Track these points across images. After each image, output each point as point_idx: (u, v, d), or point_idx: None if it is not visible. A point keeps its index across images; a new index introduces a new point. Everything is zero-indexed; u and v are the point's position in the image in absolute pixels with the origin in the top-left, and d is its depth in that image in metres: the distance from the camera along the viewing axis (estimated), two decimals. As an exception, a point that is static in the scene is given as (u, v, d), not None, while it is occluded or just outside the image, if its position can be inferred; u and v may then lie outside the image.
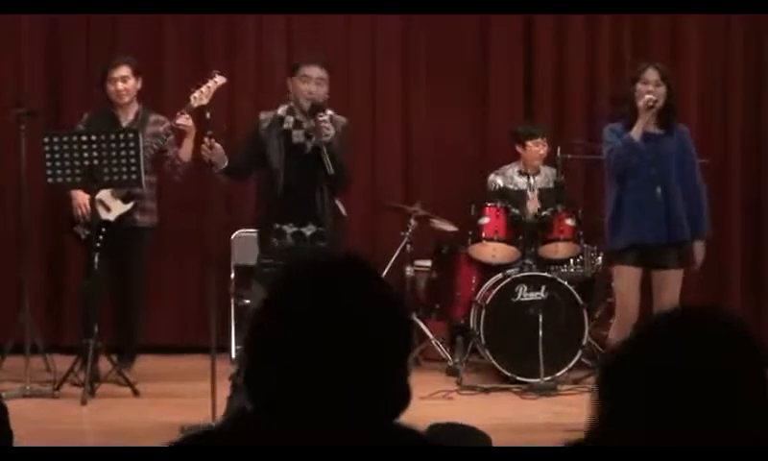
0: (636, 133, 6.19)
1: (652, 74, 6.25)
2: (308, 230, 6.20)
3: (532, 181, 8.11)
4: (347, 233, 6.47)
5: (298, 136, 6.17)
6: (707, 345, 1.86)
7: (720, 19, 8.80)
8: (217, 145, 6.19)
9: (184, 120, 7.20)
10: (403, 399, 1.88)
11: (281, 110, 6.26)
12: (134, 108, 7.52)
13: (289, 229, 6.21)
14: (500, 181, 8.13)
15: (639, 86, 6.23)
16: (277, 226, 6.22)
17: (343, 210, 6.37)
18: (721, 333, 1.88)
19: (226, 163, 6.22)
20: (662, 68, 6.34)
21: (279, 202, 6.21)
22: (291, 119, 6.21)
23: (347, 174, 6.24)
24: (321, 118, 6.05)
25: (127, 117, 7.48)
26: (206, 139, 6.22)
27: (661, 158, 6.24)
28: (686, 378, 1.84)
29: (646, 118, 6.19)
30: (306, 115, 6.14)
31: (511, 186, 8.12)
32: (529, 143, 8.06)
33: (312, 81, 6.15)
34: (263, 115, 6.32)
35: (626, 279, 6.34)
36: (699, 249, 6.45)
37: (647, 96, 6.16)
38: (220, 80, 7.26)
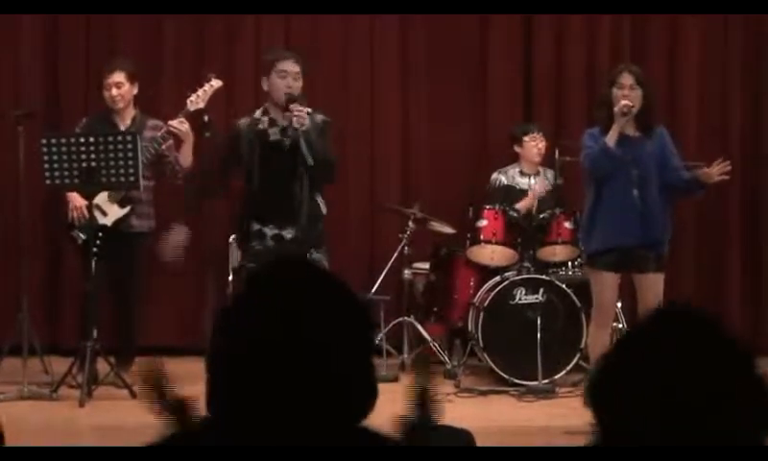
0: (610, 138, 6.26)
1: (627, 78, 6.32)
2: (288, 234, 6.31)
3: (532, 181, 8.14)
4: (324, 231, 6.52)
5: (274, 134, 6.36)
6: (693, 345, 1.87)
7: (719, 19, 8.83)
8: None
9: (178, 123, 7.22)
10: (368, 399, 1.88)
11: (257, 113, 6.47)
12: (131, 112, 7.53)
13: (269, 231, 6.34)
14: (504, 179, 8.16)
15: (615, 91, 6.30)
16: (257, 227, 6.35)
17: (323, 208, 6.42)
18: (705, 332, 1.90)
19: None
20: (637, 72, 6.40)
21: (257, 202, 6.36)
22: (265, 119, 6.41)
23: (330, 164, 6.34)
24: (294, 108, 6.22)
25: (124, 122, 7.49)
26: (300, 110, 6.25)
27: (641, 160, 6.29)
28: (675, 379, 1.84)
29: (621, 124, 6.26)
30: (282, 110, 6.29)
31: (513, 185, 8.15)
32: (525, 139, 8.11)
33: (290, 76, 6.32)
34: (242, 120, 6.53)
35: (601, 283, 6.46)
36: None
37: (622, 102, 6.23)
38: (216, 83, 7.29)
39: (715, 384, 1.84)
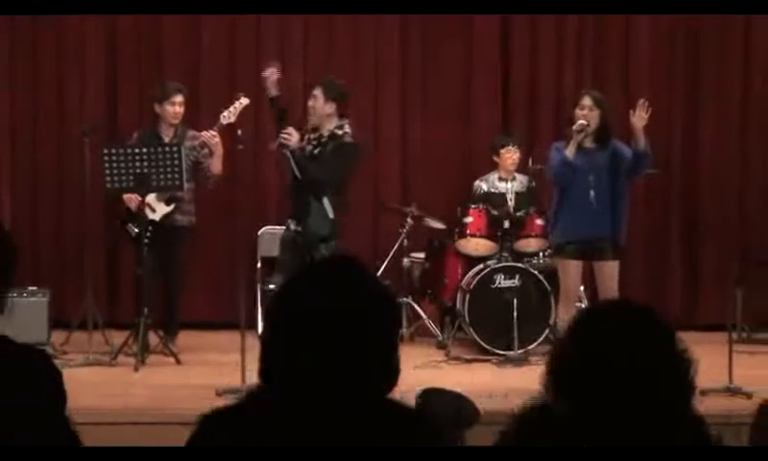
0: (569, 151, 6.39)
1: (586, 100, 6.50)
2: (299, 228, 6.49)
3: (510, 185, 8.22)
4: (333, 231, 6.41)
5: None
6: (627, 330, 1.91)
7: (666, 30, 8.73)
8: (295, 134, 6.41)
9: (209, 136, 7.33)
10: (393, 376, 1.88)
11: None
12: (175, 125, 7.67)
13: (292, 225, 6.52)
14: (484, 187, 8.20)
15: (577, 111, 6.45)
16: (287, 220, 6.60)
17: (330, 213, 6.40)
18: (639, 319, 1.94)
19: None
20: (596, 95, 6.58)
21: (288, 200, 6.68)
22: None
23: (316, 180, 6.37)
24: (283, 131, 6.40)
25: (168, 134, 7.61)
26: (288, 132, 6.36)
27: (596, 168, 6.45)
28: (614, 358, 1.88)
29: (578, 139, 6.42)
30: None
31: (493, 190, 8.20)
32: (502, 151, 8.14)
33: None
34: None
35: (565, 271, 6.56)
36: None
37: (579, 121, 6.37)
38: (245, 101, 7.37)
39: (645, 361, 1.88)
